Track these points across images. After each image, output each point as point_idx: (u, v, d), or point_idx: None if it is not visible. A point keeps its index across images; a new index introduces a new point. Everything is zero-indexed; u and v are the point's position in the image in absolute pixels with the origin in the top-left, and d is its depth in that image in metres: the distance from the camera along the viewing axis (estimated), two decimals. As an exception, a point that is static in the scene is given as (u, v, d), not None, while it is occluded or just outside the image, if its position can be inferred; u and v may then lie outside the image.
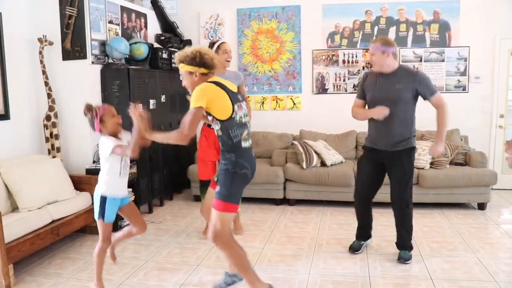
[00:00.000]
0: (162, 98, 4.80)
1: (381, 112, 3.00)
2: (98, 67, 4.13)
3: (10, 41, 3.73)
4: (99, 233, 2.63)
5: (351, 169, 4.61)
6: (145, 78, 4.46)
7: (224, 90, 2.33)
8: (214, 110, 2.31)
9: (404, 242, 3.21)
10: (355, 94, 3.34)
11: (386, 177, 3.22)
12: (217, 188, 2.41)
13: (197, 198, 4.98)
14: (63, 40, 3.99)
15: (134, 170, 4.19)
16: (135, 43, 4.45)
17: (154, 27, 5.38)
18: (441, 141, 3.05)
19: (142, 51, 4.49)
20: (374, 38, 5.13)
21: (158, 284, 2.93)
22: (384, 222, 4.08)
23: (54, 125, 3.94)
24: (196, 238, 3.81)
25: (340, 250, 3.47)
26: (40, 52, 3.85)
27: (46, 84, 3.88)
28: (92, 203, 3.65)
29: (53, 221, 3.34)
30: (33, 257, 3.32)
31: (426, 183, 4.40)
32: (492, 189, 4.61)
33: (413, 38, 5.29)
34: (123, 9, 4.61)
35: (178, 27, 5.59)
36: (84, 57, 3.97)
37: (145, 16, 5.12)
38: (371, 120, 3.19)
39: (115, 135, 2.61)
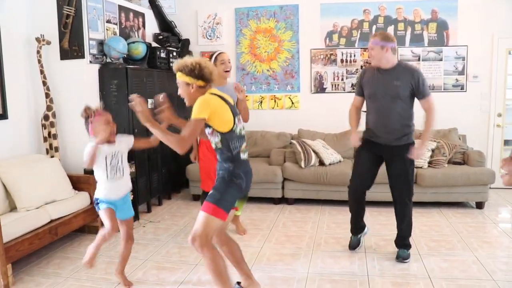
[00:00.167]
0: (160, 98, 4.77)
1: (353, 142, 3.24)
2: (96, 67, 4.12)
3: (8, 40, 3.73)
4: (103, 222, 2.74)
5: (349, 168, 4.59)
6: (143, 77, 4.45)
7: (225, 102, 2.34)
8: (215, 122, 2.29)
9: (403, 239, 3.21)
10: (353, 93, 3.35)
11: (384, 175, 3.22)
12: (210, 192, 2.37)
13: (196, 198, 4.99)
14: (61, 40, 3.98)
15: (133, 169, 4.18)
16: (133, 42, 4.44)
17: (152, 27, 5.37)
18: (425, 145, 3.09)
19: (140, 50, 4.48)
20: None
21: (157, 283, 2.93)
22: (382, 221, 4.09)
23: (52, 124, 3.93)
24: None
25: (338, 249, 3.48)
26: (38, 52, 3.84)
27: (44, 83, 3.88)
28: (91, 203, 3.68)
29: (51, 221, 3.33)
30: (31, 257, 3.32)
31: (425, 182, 4.41)
32: (490, 188, 4.63)
33: (411, 37, 5.29)
34: (121, 8, 4.59)
35: (176, 27, 5.58)
36: (82, 56, 3.96)
37: (143, 15, 5.11)
38: (369, 114, 3.19)
39: (108, 141, 2.67)
